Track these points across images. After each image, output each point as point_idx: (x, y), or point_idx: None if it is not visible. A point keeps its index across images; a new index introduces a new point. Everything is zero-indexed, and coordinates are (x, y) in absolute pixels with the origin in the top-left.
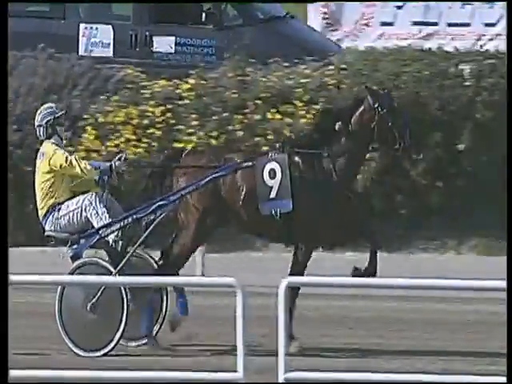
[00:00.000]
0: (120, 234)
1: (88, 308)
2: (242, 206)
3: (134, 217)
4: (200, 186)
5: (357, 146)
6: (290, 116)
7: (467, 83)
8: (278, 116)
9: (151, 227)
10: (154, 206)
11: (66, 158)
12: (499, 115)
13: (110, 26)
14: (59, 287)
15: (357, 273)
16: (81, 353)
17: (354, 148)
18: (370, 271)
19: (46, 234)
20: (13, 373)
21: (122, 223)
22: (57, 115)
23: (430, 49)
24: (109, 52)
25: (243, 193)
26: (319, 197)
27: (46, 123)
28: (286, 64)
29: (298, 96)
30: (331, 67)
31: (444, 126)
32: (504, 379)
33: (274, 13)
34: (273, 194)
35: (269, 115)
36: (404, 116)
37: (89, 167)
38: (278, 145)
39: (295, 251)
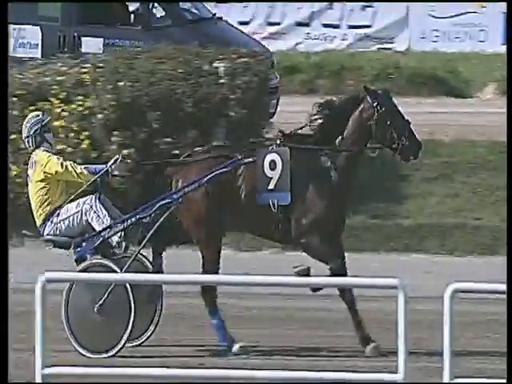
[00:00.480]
0: (123, 235)
1: (95, 310)
2: (243, 200)
3: (138, 217)
4: (202, 184)
5: (355, 144)
6: (47, 113)
7: (222, 81)
8: None
9: (155, 227)
10: (156, 206)
11: (61, 164)
12: (251, 113)
13: (37, 27)
14: (65, 289)
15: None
16: (87, 354)
17: (352, 147)
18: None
19: (45, 238)
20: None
21: (125, 224)
22: (44, 122)
23: (185, 47)
24: (37, 53)
25: (245, 188)
26: (317, 194)
27: (34, 132)
28: (41, 61)
29: (55, 93)
30: (87, 65)
31: (198, 123)
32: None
33: (202, 14)
34: (271, 186)
35: (27, 112)
36: (403, 116)
37: (85, 172)
38: (278, 139)
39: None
